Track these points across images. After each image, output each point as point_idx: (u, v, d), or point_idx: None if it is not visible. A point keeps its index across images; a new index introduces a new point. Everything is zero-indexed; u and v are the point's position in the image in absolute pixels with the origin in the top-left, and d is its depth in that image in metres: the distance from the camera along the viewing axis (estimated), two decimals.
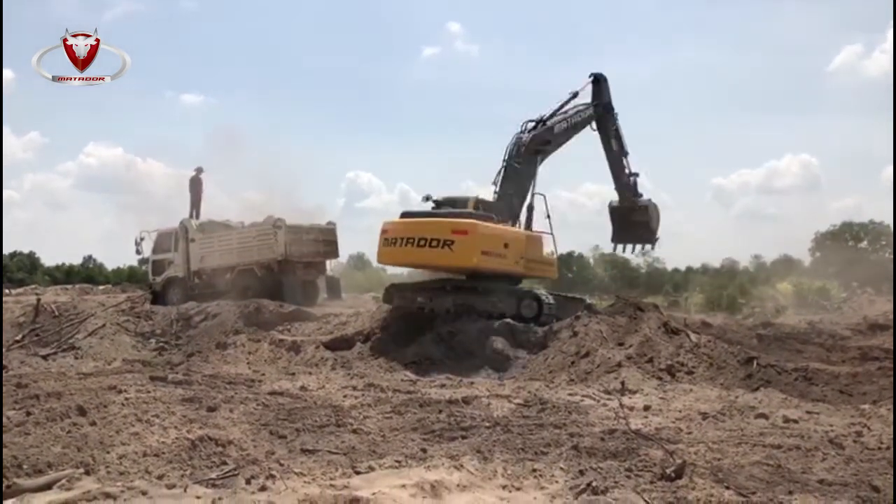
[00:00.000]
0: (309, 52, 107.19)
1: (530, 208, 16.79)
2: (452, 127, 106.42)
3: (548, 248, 17.13)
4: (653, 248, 21.13)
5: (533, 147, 16.84)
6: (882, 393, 10.25)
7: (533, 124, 17.28)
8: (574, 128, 18.08)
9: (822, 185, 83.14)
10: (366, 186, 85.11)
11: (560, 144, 18.06)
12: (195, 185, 23.96)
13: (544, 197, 16.93)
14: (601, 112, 18.55)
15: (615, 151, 18.94)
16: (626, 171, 19.21)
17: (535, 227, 16.90)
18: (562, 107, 17.81)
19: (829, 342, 15.67)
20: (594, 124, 18.48)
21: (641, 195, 19.52)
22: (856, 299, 26.30)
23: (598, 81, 18.68)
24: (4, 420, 7.38)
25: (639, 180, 19.52)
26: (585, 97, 18.52)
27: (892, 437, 7.42)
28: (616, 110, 18.87)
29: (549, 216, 16.84)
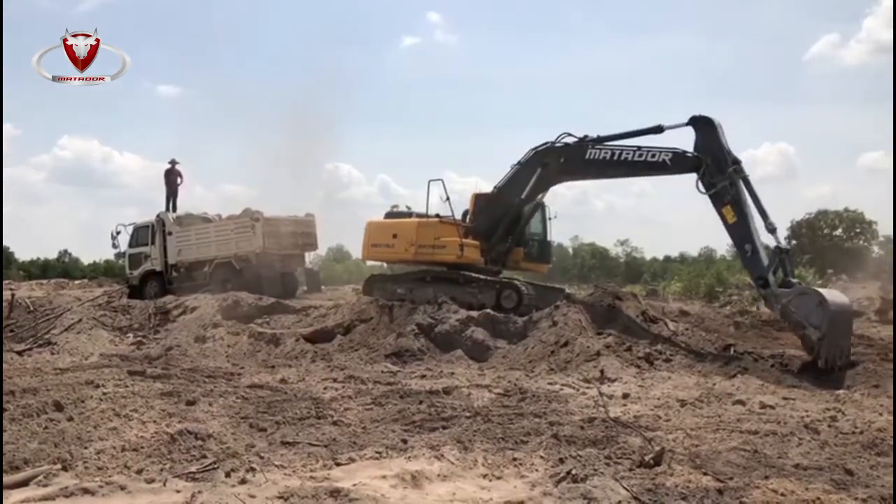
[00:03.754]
0: (288, 41, 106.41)
1: (518, 217, 16.52)
2: (432, 117, 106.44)
3: (450, 235, 16.32)
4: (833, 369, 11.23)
5: (540, 157, 15.67)
6: (855, 378, 10.42)
7: (570, 139, 15.24)
8: (630, 166, 14.43)
9: (799, 173, 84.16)
10: (345, 178, 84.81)
11: (598, 175, 15.92)
12: (171, 178, 23.77)
13: (442, 181, 16.61)
14: (705, 167, 13.20)
15: (732, 225, 12.98)
16: (752, 254, 12.69)
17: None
18: (625, 136, 14.55)
19: None
20: (700, 185, 13.36)
21: (791, 283, 12.33)
22: (831, 287, 26.60)
23: (700, 126, 13.50)
24: None
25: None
26: (679, 139, 13.96)
27: (865, 421, 7.55)
28: (738, 164, 13.05)
29: (447, 199, 16.54)
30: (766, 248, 12.73)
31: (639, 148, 14.18)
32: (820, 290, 12.23)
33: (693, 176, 13.47)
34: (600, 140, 14.72)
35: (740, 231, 12.92)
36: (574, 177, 16.47)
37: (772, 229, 12.76)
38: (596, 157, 14.65)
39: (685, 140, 13.77)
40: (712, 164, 13.15)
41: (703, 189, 13.28)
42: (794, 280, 12.53)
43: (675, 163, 13.78)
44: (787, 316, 12.15)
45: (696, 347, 12.85)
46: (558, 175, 15.87)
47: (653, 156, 13.98)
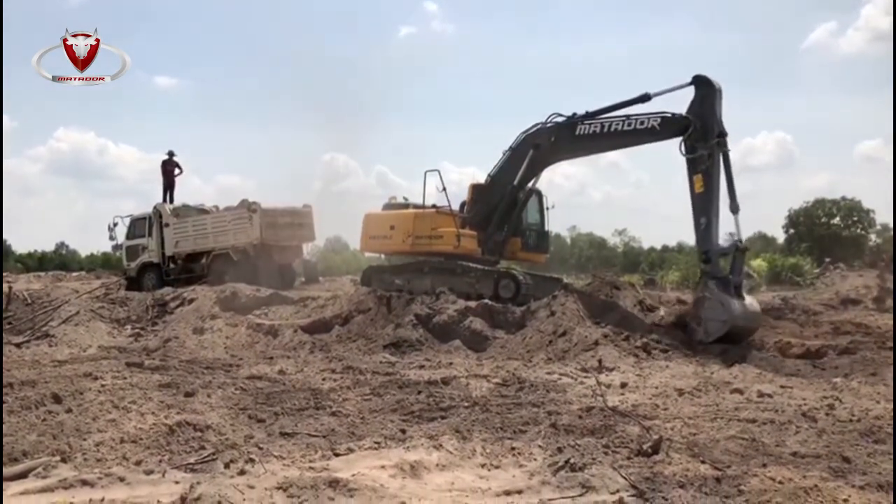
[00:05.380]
0: (283, 31, 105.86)
1: (512, 203, 16.47)
2: (429, 108, 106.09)
3: (447, 225, 16.42)
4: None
5: (531, 139, 15.72)
6: (853, 367, 10.44)
7: (559, 118, 15.29)
8: (621, 136, 14.44)
9: (797, 162, 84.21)
10: (342, 169, 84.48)
11: (591, 150, 16.09)
12: (168, 169, 23.74)
13: (438, 172, 16.59)
14: (692, 131, 13.15)
15: (697, 195, 13.09)
16: (705, 227, 12.96)
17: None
18: (614, 108, 14.49)
19: (803, 318, 15.86)
20: (682, 146, 13.33)
21: (729, 281, 12.69)
22: (828, 275, 26.62)
23: (702, 86, 13.30)
24: None
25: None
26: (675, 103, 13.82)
27: (863, 409, 7.56)
28: (724, 136, 13.03)
29: (444, 189, 16.55)
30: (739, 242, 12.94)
31: (627, 117, 14.23)
32: (737, 308, 12.43)
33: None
34: (590, 115, 14.77)
35: (702, 202, 13.01)
36: (567, 155, 16.43)
37: (735, 209, 12.89)
38: (586, 131, 14.73)
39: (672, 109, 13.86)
40: (700, 128, 13.10)
41: (683, 151, 13.29)
42: (737, 279, 12.71)
43: (665, 126, 13.78)
44: (697, 305, 12.98)
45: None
46: (550, 156, 15.88)
47: (641, 123, 14.00)
